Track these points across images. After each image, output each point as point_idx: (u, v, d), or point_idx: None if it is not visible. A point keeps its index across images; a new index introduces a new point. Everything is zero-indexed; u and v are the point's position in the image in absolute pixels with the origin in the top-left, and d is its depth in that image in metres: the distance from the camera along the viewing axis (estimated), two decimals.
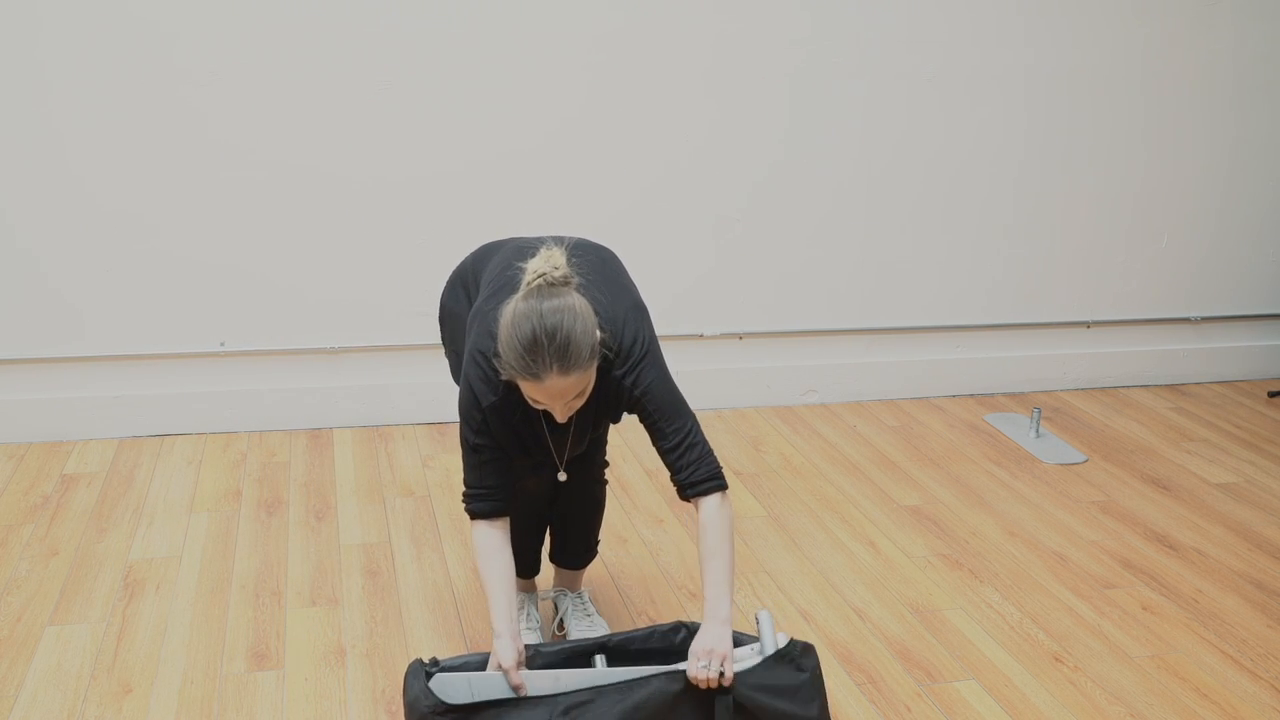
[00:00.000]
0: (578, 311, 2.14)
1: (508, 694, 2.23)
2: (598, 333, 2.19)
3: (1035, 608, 3.09)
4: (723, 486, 2.36)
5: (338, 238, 3.98)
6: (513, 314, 2.14)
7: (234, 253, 3.92)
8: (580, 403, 2.24)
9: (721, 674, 2.23)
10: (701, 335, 4.39)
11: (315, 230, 3.95)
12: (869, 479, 3.87)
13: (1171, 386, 4.94)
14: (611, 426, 3.72)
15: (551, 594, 2.91)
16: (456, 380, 2.59)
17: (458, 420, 2.43)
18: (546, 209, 4.11)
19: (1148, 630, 3.00)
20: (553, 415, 2.34)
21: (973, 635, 2.94)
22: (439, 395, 4.17)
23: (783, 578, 3.19)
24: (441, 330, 2.71)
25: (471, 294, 2.56)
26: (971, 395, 4.73)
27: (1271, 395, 4.82)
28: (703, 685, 2.24)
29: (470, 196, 4.03)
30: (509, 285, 2.34)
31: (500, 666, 2.24)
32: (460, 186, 4.02)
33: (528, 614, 2.86)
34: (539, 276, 2.15)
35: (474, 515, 2.39)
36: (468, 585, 3.08)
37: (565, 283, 2.18)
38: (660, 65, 4.06)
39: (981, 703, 2.66)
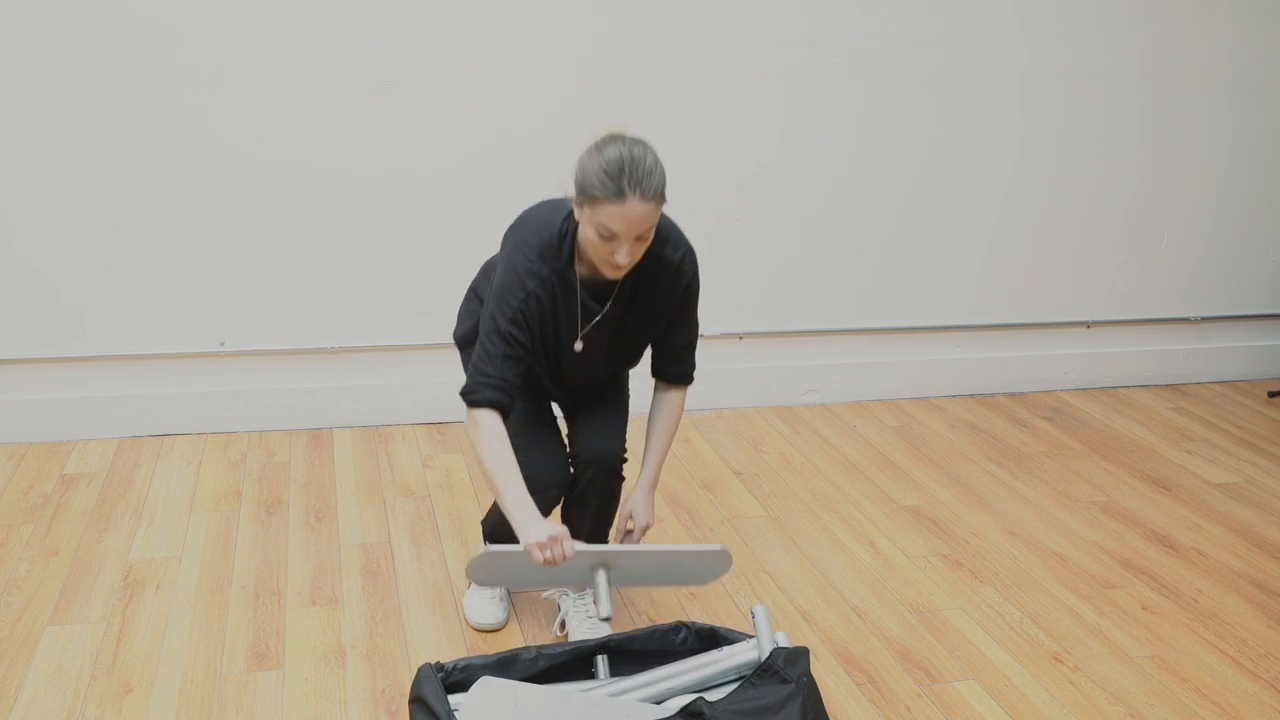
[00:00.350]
0: (655, 152, 2.27)
1: (550, 706, 2.21)
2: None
3: (1035, 607, 3.09)
4: (690, 380, 2.71)
5: (337, 237, 3.98)
6: (596, 146, 2.26)
7: (234, 253, 3.92)
8: (641, 251, 2.31)
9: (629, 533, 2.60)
10: (702, 335, 4.39)
11: (315, 230, 3.95)
12: (869, 479, 3.87)
13: (1171, 386, 4.94)
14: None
15: (554, 593, 2.91)
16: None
17: (490, 307, 2.39)
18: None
19: (1148, 630, 3.00)
20: (610, 270, 2.33)
21: (973, 635, 2.94)
22: (439, 395, 4.17)
23: (783, 578, 3.19)
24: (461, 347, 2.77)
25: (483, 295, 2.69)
26: (971, 395, 4.74)
27: (1271, 395, 4.82)
28: (618, 546, 2.39)
29: (469, 196, 4.03)
30: (544, 204, 2.50)
31: (540, 544, 2.28)
32: (459, 186, 4.02)
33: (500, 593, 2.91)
34: (608, 129, 2.33)
35: (481, 403, 2.34)
36: (467, 585, 3.08)
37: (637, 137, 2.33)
38: (657, 66, 4.06)
39: (981, 703, 2.66)
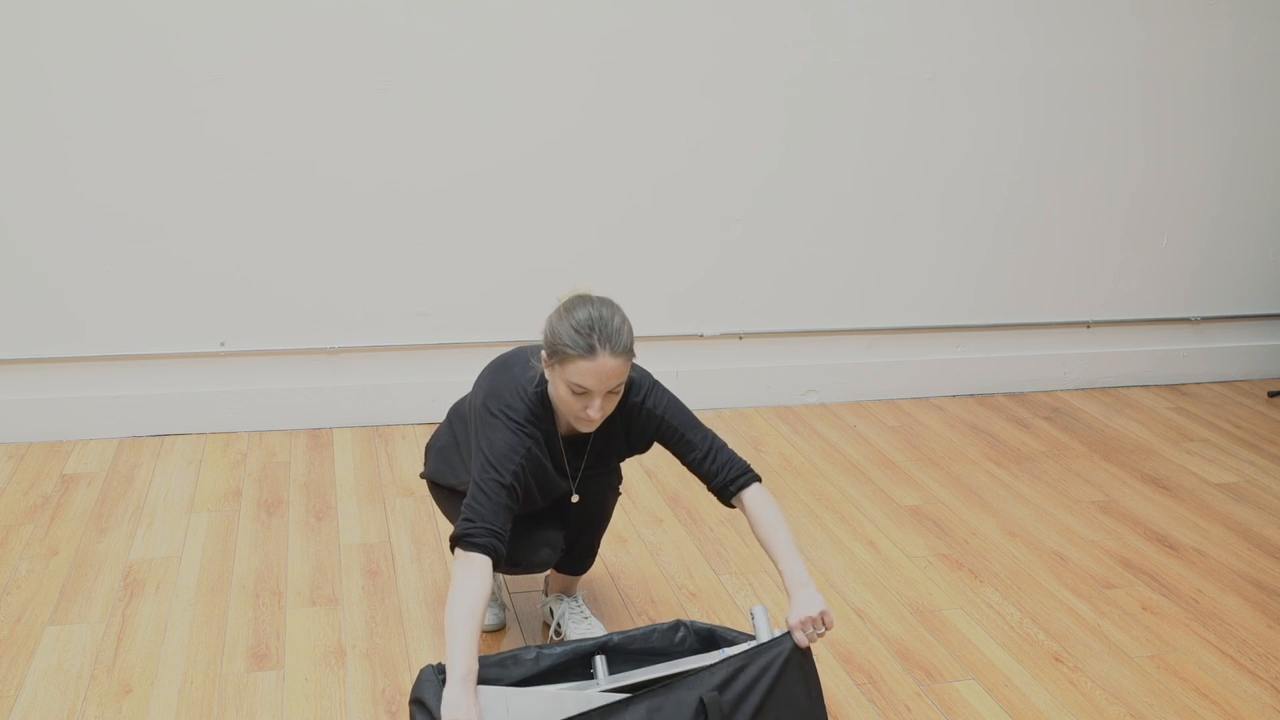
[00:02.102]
0: (621, 311, 2.38)
1: (543, 706, 2.21)
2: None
3: (1035, 608, 3.09)
4: (758, 478, 2.58)
5: (337, 238, 3.98)
6: (565, 307, 2.36)
7: (234, 253, 3.92)
8: (613, 405, 2.40)
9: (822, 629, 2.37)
10: (701, 335, 4.39)
11: (314, 231, 3.95)
12: (869, 479, 3.87)
13: (1172, 386, 4.94)
14: None
15: (548, 600, 2.91)
16: (450, 517, 2.77)
17: (481, 457, 2.42)
18: (547, 208, 4.11)
19: (1147, 630, 3.00)
20: (583, 424, 2.41)
21: (973, 635, 2.94)
22: (439, 395, 4.17)
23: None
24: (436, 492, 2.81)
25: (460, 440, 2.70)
26: (971, 395, 4.74)
27: (1272, 395, 4.82)
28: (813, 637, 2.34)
29: (470, 198, 4.03)
30: (504, 366, 2.54)
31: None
32: (460, 188, 4.02)
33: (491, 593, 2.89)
34: (572, 292, 2.42)
35: (479, 549, 2.31)
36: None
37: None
38: (660, 66, 4.06)
39: (981, 703, 2.66)
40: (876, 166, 4.36)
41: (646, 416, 2.57)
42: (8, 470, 3.69)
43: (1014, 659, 2.84)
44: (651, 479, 3.80)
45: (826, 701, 2.61)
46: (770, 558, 2.49)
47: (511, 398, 2.46)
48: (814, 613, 2.33)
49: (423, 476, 2.84)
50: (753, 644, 2.35)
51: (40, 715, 2.49)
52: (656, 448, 4.04)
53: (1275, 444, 4.31)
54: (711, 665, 2.26)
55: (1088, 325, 4.81)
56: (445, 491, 2.78)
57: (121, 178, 3.77)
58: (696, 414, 4.39)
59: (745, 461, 2.58)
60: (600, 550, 3.30)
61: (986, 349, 4.72)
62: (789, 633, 2.33)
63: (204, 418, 4.03)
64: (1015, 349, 4.76)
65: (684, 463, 2.61)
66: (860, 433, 4.28)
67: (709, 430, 2.60)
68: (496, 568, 2.35)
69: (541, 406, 2.48)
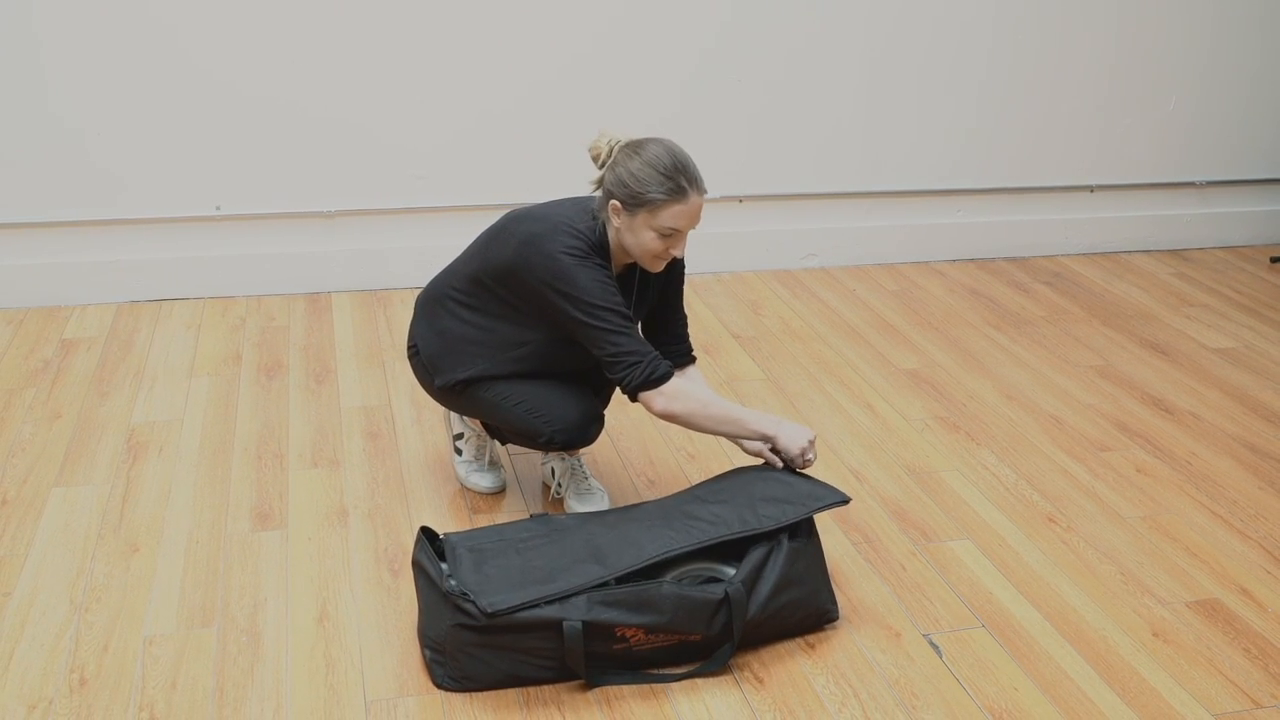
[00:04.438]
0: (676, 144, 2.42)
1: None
2: None
3: (1030, 469, 3.13)
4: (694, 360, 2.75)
5: (331, 100, 3.91)
6: (630, 150, 2.37)
7: (226, 115, 3.86)
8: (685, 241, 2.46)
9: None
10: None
11: (309, 91, 3.89)
12: (868, 343, 3.87)
13: (1173, 252, 4.92)
14: None
15: (548, 459, 2.93)
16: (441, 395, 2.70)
17: (582, 308, 2.39)
18: (545, 70, 4.04)
19: (1141, 492, 3.04)
20: (658, 265, 2.45)
21: (968, 496, 2.98)
22: (438, 259, 4.15)
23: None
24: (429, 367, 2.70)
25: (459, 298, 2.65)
26: (972, 260, 4.72)
27: (1273, 261, 4.80)
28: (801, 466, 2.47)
29: (466, 59, 3.96)
30: (530, 217, 2.50)
31: (812, 441, 2.44)
32: (457, 49, 3.94)
33: (490, 456, 2.92)
34: (602, 136, 2.47)
35: (665, 377, 2.40)
36: (439, 448, 3.10)
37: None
38: None
39: (975, 562, 2.70)
40: (879, 28, 4.27)
41: (677, 266, 2.65)
42: (7, 335, 3.69)
43: (1008, 519, 2.88)
44: None
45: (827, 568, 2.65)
46: (726, 413, 2.47)
47: (568, 238, 2.42)
48: (809, 438, 2.46)
49: (437, 386, 2.69)
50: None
51: (51, 573, 2.53)
52: None
53: (1275, 309, 4.31)
54: (746, 539, 2.34)
55: (1090, 189, 4.77)
56: (460, 386, 2.66)
57: (111, 41, 3.69)
58: (693, 279, 4.38)
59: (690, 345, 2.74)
60: None
61: (987, 213, 4.69)
62: (806, 519, 2.38)
63: (202, 282, 4.02)
64: (1017, 213, 4.72)
65: (657, 319, 2.68)
66: (859, 297, 4.27)
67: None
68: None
69: (600, 248, 2.46)
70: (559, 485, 2.87)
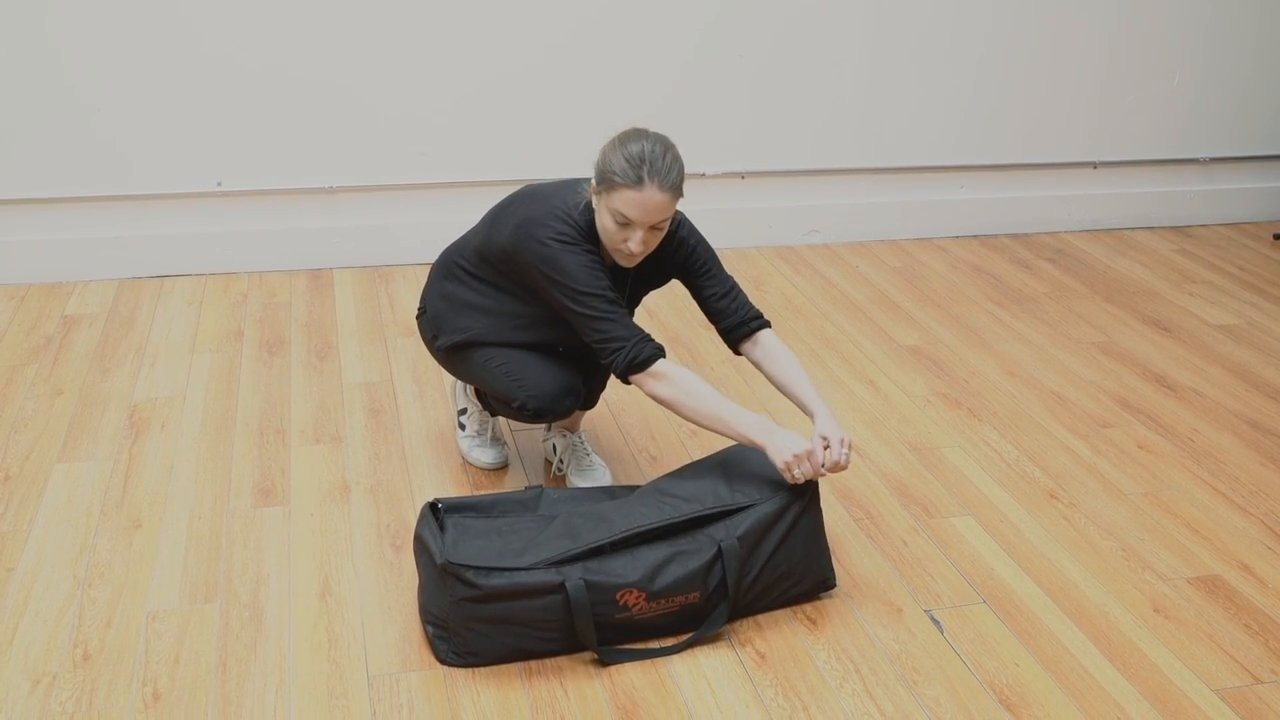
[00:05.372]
0: (676, 150, 2.36)
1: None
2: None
3: (1032, 446, 3.13)
4: (769, 324, 2.61)
5: (335, 74, 3.90)
6: (619, 139, 2.35)
7: (228, 91, 3.85)
8: (655, 242, 2.39)
9: (839, 459, 2.36)
10: (704, 174, 4.34)
11: (311, 67, 3.87)
12: (870, 319, 3.87)
13: (1176, 228, 4.91)
14: None
15: (550, 436, 2.93)
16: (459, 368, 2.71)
17: (569, 294, 2.39)
18: (548, 48, 4.02)
19: (1142, 468, 3.04)
20: (623, 258, 2.41)
21: (970, 473, 2.98)
22: (439, 235, 4.15)
23: (782, 416, 3.22)
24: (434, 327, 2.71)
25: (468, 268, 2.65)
26: (974, 236, 4.71)
27: (1277, 237, 4.79)
28: (829, 470, 2.35)
29: (470, 34, 3.94)
30: (534, 197, 2.50)
31: (798, 456, 2.31)
32: (460, 23, 3.92)
33: (492, 432, 2.93)
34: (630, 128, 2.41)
35: (655, 355, 2.39)
36: (446, 423, 3.10)
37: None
38: None
39: (977, 537, 2.71)
40: (882, 3, 4.25)
41: (679, 245, 2.56)
42: (9, 311, 3.69)
43: (1010, 495, 2.89)
44: (654, 319, 3.80)
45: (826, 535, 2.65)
46: (791, 395, 2.51)
47: (558, 224, 2.43)
48: (836, 434, 2.37)
49: (439, 346, 2.71)
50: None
51: (54, 548, 2.54)
52: (668, 286, 4.03)
53: (1278, 286, 4.30)
54: (734, 512, 2.33)
55: (1093, 166, 4.75)
56: (457, 348, 2.68)
57: (112, 17, 3.68)
58: None
59: (755, 309, 2.59)
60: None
61: (990, 189, 4.67)
62: (806, 484, 2.38)
63: (203, 258, 4.01)
64: (1019, 189, 4.71)
65: (701, 298, 2.60)
66: (862, 273, 4.26)
67: (729, 276, 2.61)
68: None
69: (590, 232, 2.46)
70: (560, 462, 2.87)
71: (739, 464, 2.45)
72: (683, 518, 2.30)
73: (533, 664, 2.25)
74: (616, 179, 2.31)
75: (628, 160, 2.31)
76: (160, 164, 3.88)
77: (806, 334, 3.74)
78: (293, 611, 2.37)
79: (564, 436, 2.88)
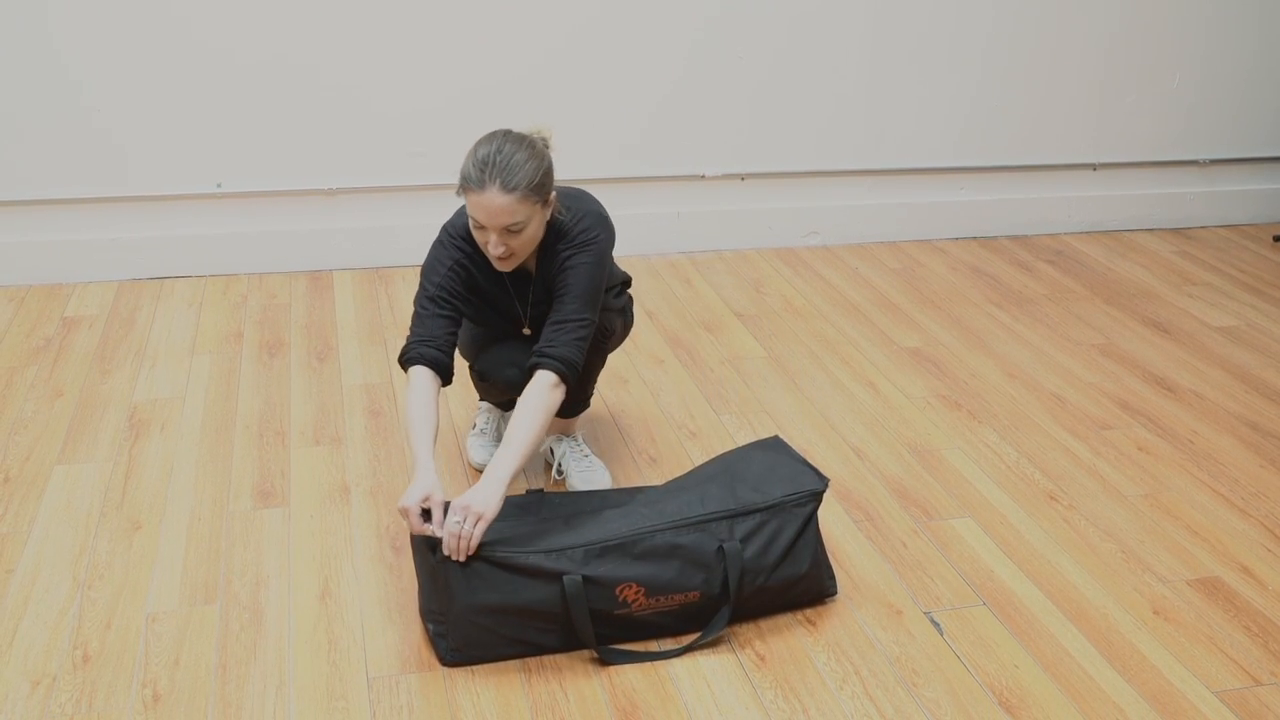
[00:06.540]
0: (534, 151, 2.33)
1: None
2: (548, 179, 2.35)
3: (1032, 448, 3.13)
4: (566, 375, 2.38)
5: (334, 76, 3.90)
6: (479, 142, 2.35)
7: (227, 92, 3.85)
8: (515, 243, 2.36)
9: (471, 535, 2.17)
10: (703, 176, 4.35)
11: (310, 68, 3.87)
12: (870, 321, 3.87)
13: (1176, 230, 4.91)
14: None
15: (548, 440, 2.93)
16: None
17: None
18: (544, 49, 4.02)
19: (1142, 470, 3.04)
20: (495, 261, 2.41)
21: (970, 474, 2.98)
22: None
23: (782, 418, 3.22)
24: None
25: None
26: (974, 238, 4.71)
27: (1276, 239, 4.79)
28: (450, 544, 2.16)
29: (466, 34, 3.94)
30: None
31: (403, 508, 2.18)
32: (456, 24, 3.92)
33: (496, 431, 2.96)
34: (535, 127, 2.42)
35: (414, 360, 2.40)
36: (468, 424, 3.10)
37: (538, 137, 2.39)
38: None
39: (976, 539, 2.71)
40: (882, 5, 4.25)
41: (560, 264, 2.45)
42: (8, 313, 3.69)
43: (1010, 497, 2.89)
44: (652, 320, 3.80)
45: (824, 538, 2.65)
46: (408, 433, 2.40)
47: (459, 216, 2.52)
48: (474, 506, 2.16)
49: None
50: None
51: (54, 549, 2.54)
52: (669, 286, 4.03)
53: (1278, 288, 4.30)
54: (738, 515, 2.33)
55: (1093, 167, 4.76)
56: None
57: (112, 19, 3.68)
58: (694, 258, 4.37)
59: (576, 359, 2.38)
60: (601, 390, 3.32)
61: (990, 191, 4.68)
62: (814, 495, 2.38)
63: (203, 260, 4.01)
64: (1019, 191, 4.71)
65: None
66: (861, 274, 4.26)
67: (589, 319, 2.43)
68: (445, 376, 2.43)
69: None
70: (560, 464, 2.87)
71: (744, 469, 2.45)
72: (686, 521, 2.30)
73: (532, 665, 2.25)
74: (466, 181, 2.33)
75: (474, 163, 2.31)
76: (160, 165, 3.88)
77: (806, 336, 3.74)
78: (292, 613, 2.37)
79: (560, 440, 2.88)
